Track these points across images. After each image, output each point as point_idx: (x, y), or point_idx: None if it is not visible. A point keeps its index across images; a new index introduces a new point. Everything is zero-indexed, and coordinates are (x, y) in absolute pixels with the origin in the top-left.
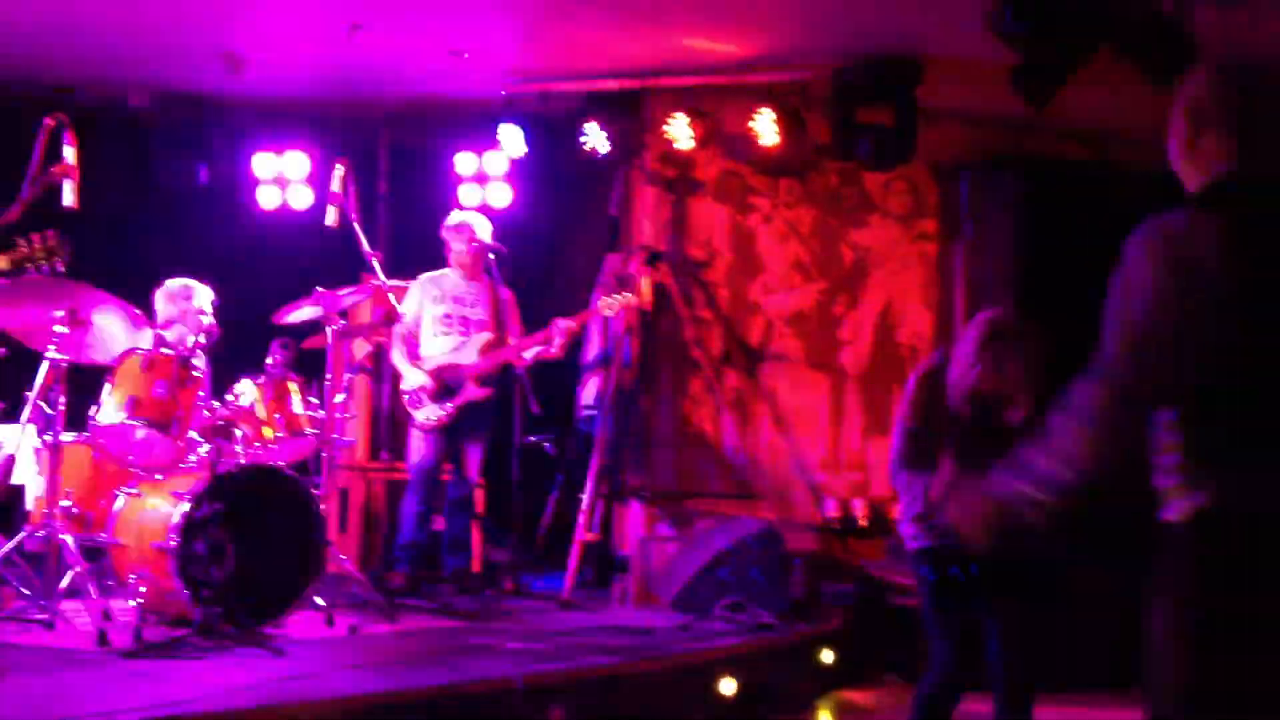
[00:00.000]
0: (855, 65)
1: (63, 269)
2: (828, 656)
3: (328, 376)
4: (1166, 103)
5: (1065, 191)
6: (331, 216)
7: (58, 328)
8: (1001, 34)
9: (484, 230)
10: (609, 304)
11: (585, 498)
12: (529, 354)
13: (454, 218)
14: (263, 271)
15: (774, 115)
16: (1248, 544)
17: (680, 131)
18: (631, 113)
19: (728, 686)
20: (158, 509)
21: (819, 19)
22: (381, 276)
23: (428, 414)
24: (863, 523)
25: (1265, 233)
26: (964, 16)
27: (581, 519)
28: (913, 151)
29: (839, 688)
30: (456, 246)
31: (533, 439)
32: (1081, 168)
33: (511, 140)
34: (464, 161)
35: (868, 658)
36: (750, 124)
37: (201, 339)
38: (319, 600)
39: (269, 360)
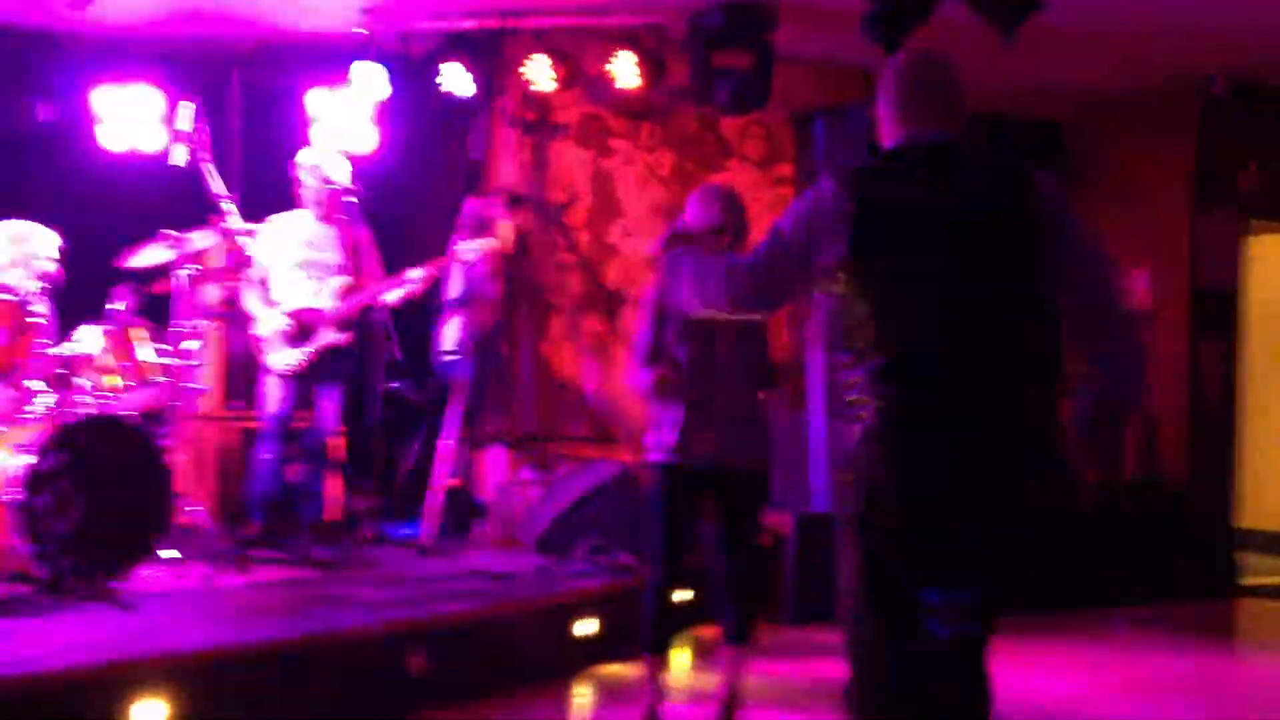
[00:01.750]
0: (712, 9)
1: None
2: (684, 595)
3: (177, 322)
4: (1009, 51)
5: None
6: (180, 156)
7: None
8: None
9: (339, 171)
10: (468, 247)
11: (445, 443)
12: (389, 297)
13: (306, 157)
14: (109, 214)
15: (634, 58)
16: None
17: (540, 73)
18: (492, 54)
19: (588, 627)
20: None
21: None
22: (234, 219)
23: (283, 360)
24: None
25: (900, 197)
26: None
27: (441, 465)
28: (769, 96)
29: (697, 625)
30: (310, 187)
31: (393, 384)
32: None
33: (370, 80)
34: (320, 101)
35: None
36: (610, 67)
37: (43, 284)
38: (170, 553)
39: (114, 306)
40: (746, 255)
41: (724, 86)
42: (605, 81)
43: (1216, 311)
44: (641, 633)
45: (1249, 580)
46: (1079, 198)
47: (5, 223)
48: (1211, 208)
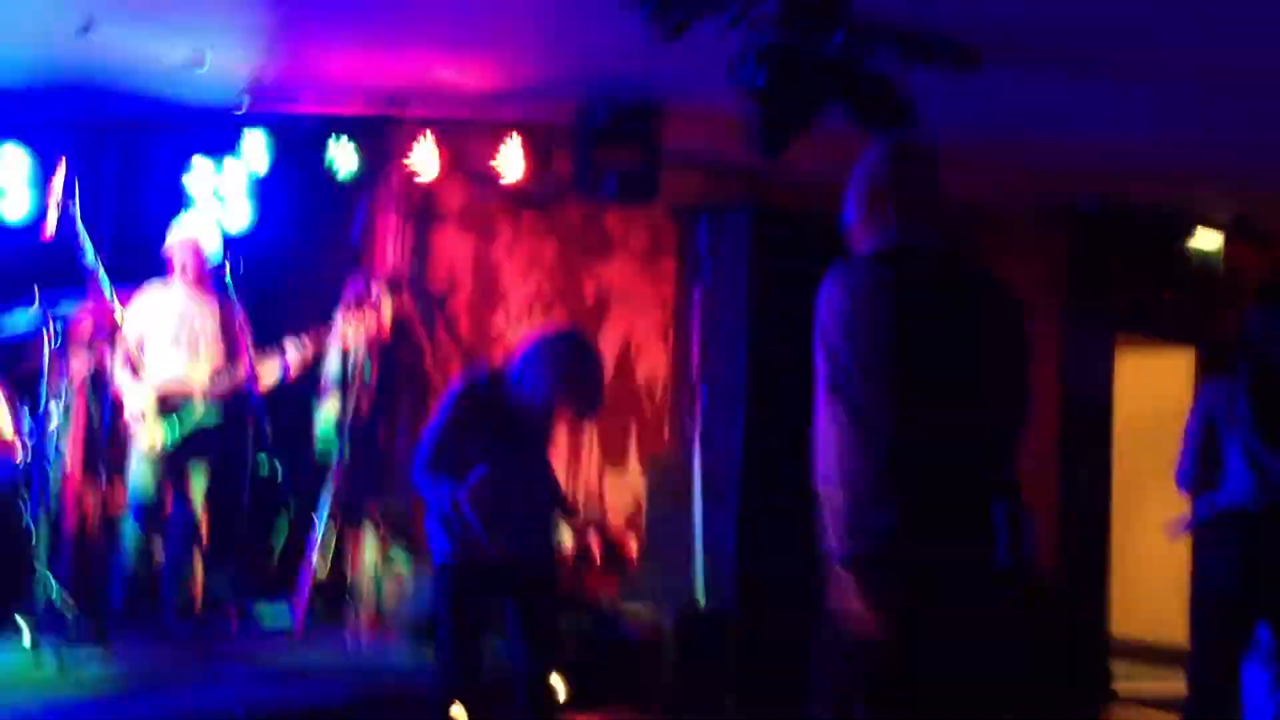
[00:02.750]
0: (601, 106)
1: None
2: (560, 685)
3: (42, 391)
4: None
5: (794, 240)
6: (50, 222)
7: None
8: (741, 85)
9: (214, 244)
10: (347, 328)
11: (318, 526)
12: (264, 375)
13: (182, 229)
14: None
15: (520, 150)
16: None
17: (426, 160)
18: (377, 137)
19: (461, 713)
20: None
21: (564, 59)
22: (105, 287)
23: (151, 435)
24: (598, 556)
25: (921, 290)
26: (706, 67)
27: (313, 549)
28: (655, 192)
29: (569, 714)
30: (184, 258)
31: (263, 464)
32: (808, 218)
33: (251, 155)
34: (199, 173)
35: (597, 686)
36: (496, 157)
37: None
38: (26, 627)
39: None
40: None
41: (610, 180)
42: (490, 171)
43: (1089, 421)
44: None
45: (1122, 687)
46: None
47: None
48: (1083, 322)
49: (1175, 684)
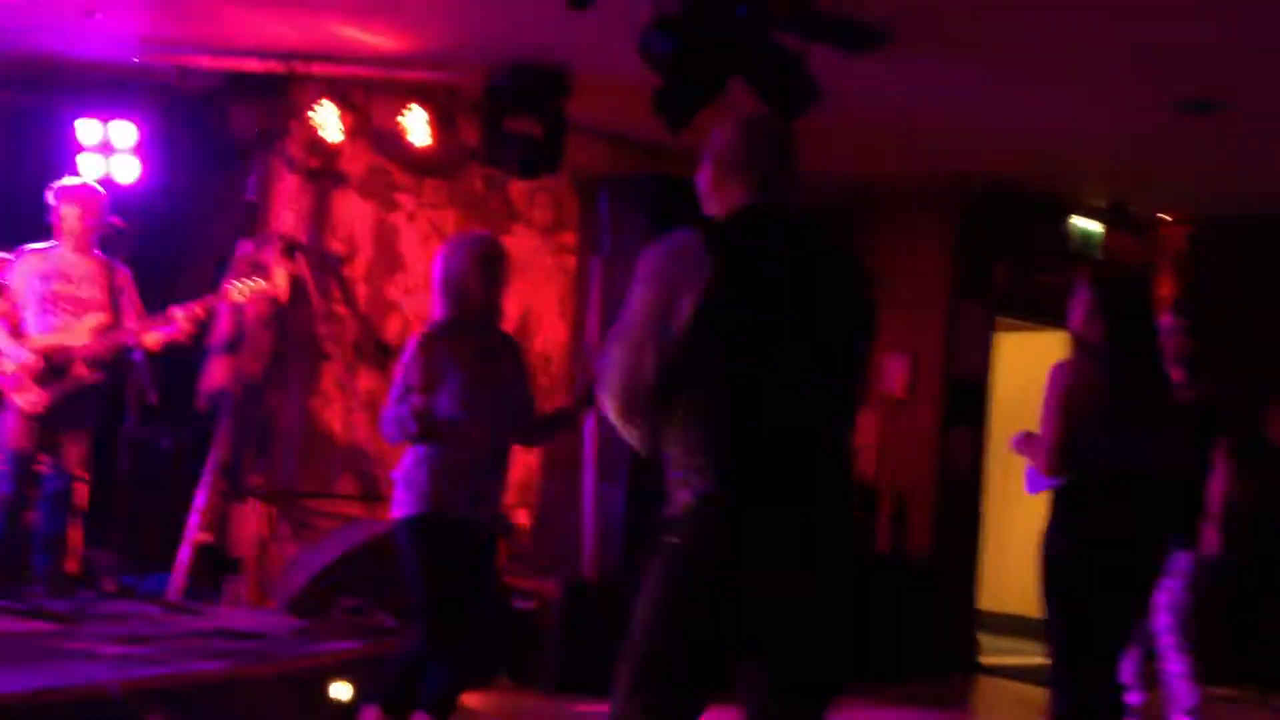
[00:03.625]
0: (506, 73)
1: None
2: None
3: None
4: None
5: (695, 212)
6: None
7: None
8: (648, 57)
9: (99, 202)
10: (239, 289)
11: (200, 495)
12: (148, 339)
13: (65, 186)
14: None
15: (425, 114)
16: (734, 531)
17: (327, 121)
18: (277, 96)
19: (342, 691)
20: None
21: (471, 23)
22: None
23: (28, 397)
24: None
25: (755, 254)
26: (613, 36)
27: (195, 518)
28: (560, 163)
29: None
30: (67, 218)
31: (146, 431)
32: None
33: (143, 113)
34: (87, 129)
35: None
36: (400, 121)
37: None
38: None
39: None
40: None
41: (514, 149)
42: (394, 135)
43: (967, 400)
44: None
45: (988, 660)
46: None
47: None
48: (966, 302)
49: (1039, 657)
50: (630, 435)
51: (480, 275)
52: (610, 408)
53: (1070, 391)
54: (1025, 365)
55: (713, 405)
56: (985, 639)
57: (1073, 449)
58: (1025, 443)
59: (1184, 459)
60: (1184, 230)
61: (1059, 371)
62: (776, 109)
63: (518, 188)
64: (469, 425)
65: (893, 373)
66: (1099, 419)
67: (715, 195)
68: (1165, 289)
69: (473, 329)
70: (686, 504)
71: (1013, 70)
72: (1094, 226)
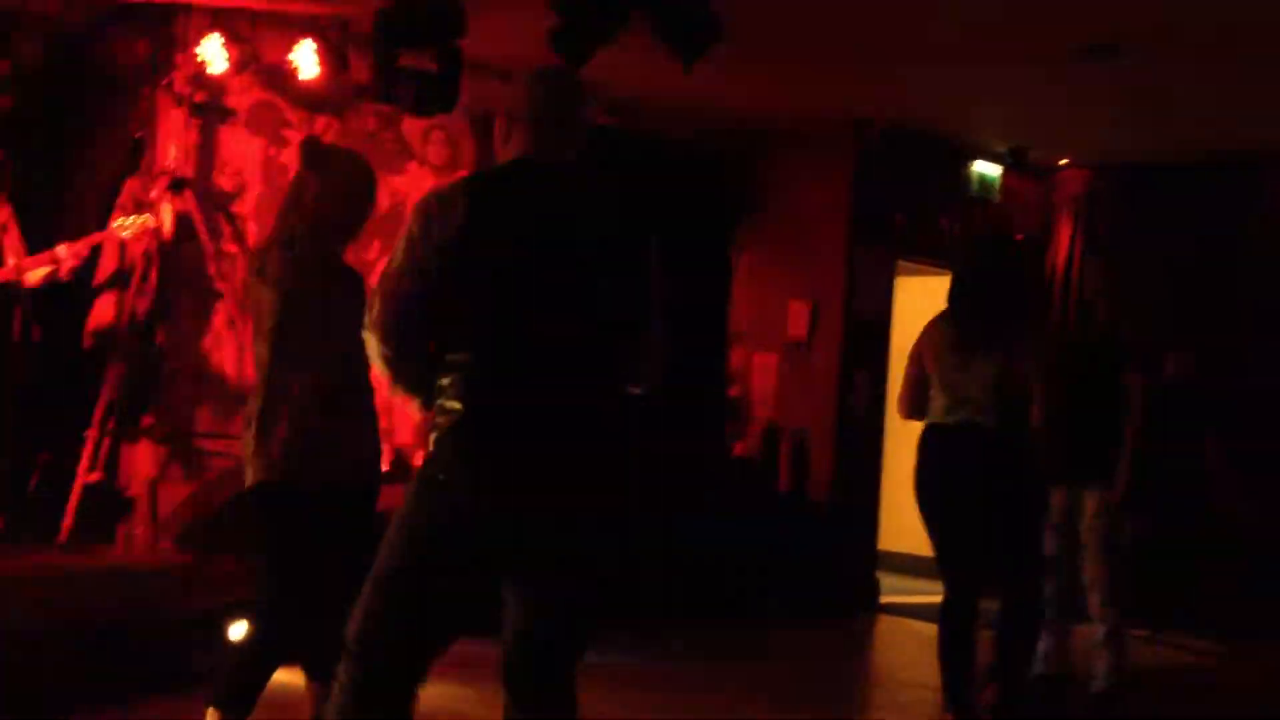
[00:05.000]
0: (399, 7)
1: None
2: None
3: None
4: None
5: (594, 154)
6: None
7: None
8: None
9: None
10: (125, 225)
11: (89, 435)
12: (33, 275)
13: None
14: None
15: (315, 48)
16: (471, 458)
17: (214, 54)
18: (161, 28)
19: (238, 631)
20: None
21: None
22: None
23: None
24: (386, 467)
25: (508, 202)
26: None
27: (84, 458)
28: (455, 101)
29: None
30: None
31: (31, 370)
32: (604, 131)
33: (23, 43)
34: None
35: None
36: (290, 56)
37: None
38: None
39: None
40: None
41: (408, 86)
42: (283, 70)
43: (868, 343)
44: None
45: (886, 599)
46: (748, 229)
47: None
48: (866, 245)
49: (937, 595)
50: (397, 376)
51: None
52: (373, 348)
53: (917, 346)
54: (926, 308)
55: (460, 341)
56: (885, 578)
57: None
58: None
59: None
60: (1083, 175)
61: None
62: (676, 47)
63: (411, 125)
64: None
65: (794, 316)
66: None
67: (503, 147)
68: (1064, 233)
69: None
70: (439, 434)
71: (913, 6)
72: (993, 170)
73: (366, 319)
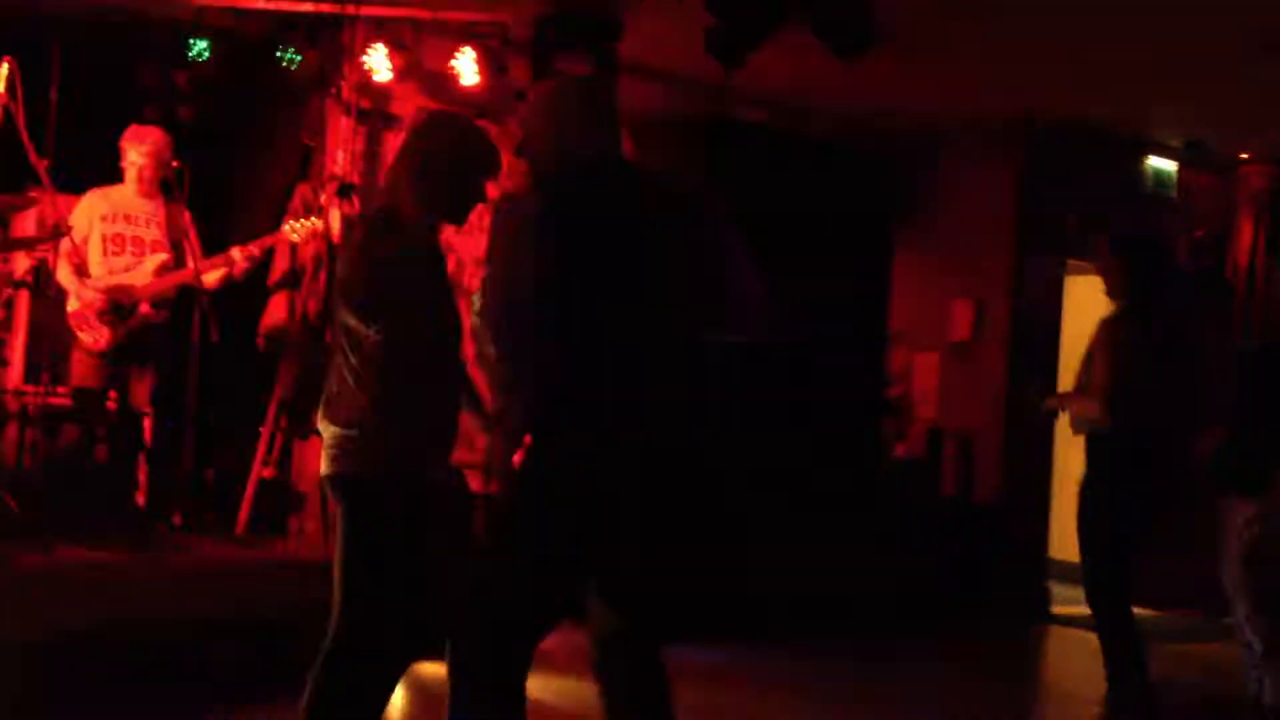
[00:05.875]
0: (556, 13)
1: None
2: None
3: None
4: (847, 76)
5: (749, 154)
6: None
7: None
8: None
9: (163, 145)
10: (296, 228)
11: (264, 431)
12: (210, 277)
13: (130, 130)
14: None
15: (475, 55)
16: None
17: (379, 63)
18: (329, 39)
19: None
20: None
21: None
22: (49, 186)
23: (93, 335)
24: None
25: (579, 211)
26: None
27: (259, 453)
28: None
29: None
30: (132, 160)
31: (212, 367)
32: (761, 131)
33: (200, 56)
34: (148, 74)
35: None
36: (450, 62)
37: None
38: None
39: None
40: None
41: None
42: (444, 77)
43: (1036, 345)
44: None
45: (1058, 609)
46: (909, 229)
47: None
48: (1034, 244)
49: None
50: (497, 373)
51: None
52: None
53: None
54: (1097, 308)
55: (542, 352)
56: (1057, 588)
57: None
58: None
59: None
60: (1266, 170)
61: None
62: (835, 48)
63: None
64: None
65: (958, 316)
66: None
67: (546, 152)
68: (1245, 231)
69: None
70: (534, 445)
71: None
72: (1169, 165)
73: (477, 305)
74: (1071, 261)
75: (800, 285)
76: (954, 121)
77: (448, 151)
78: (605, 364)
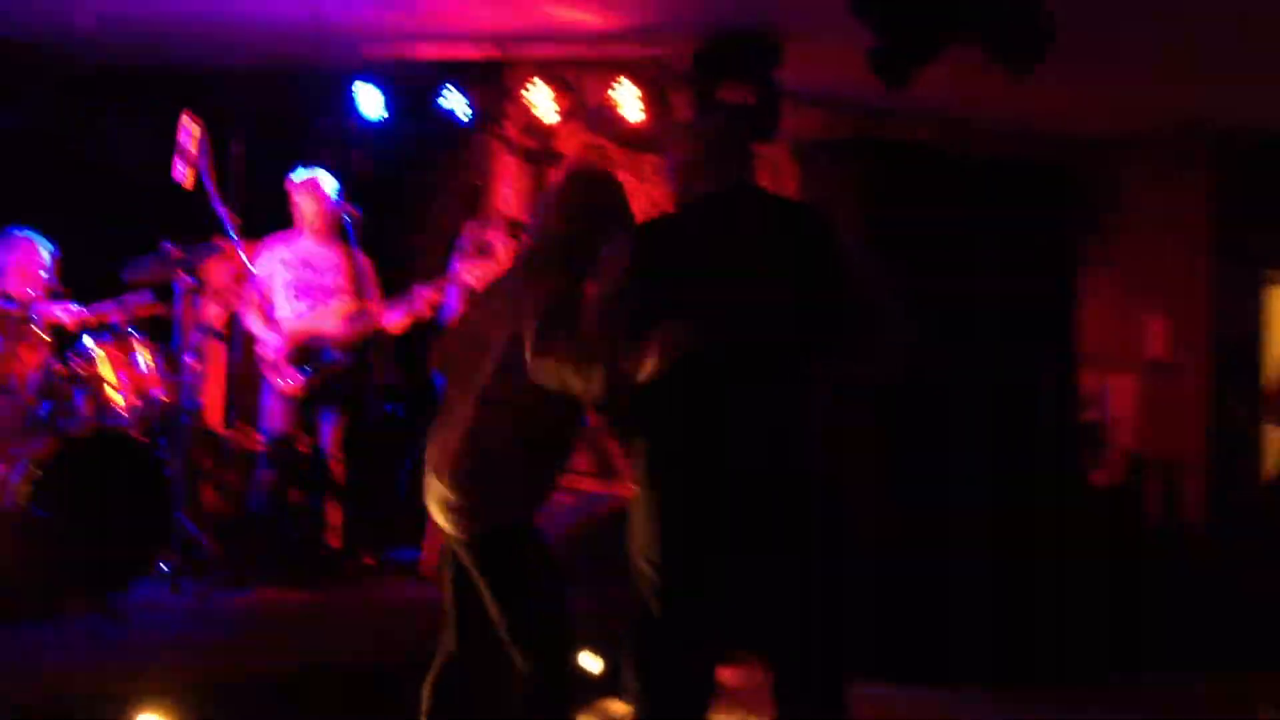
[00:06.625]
0: (716, 43)
1: None
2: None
3: (178, 338)
4: (1015, 91)
5: (913, 173)
6: (186, 176)
7: None
8: (861, 15)
9: (332, 189)
10: (471, 270)
11: None
12: (393, 322)
13: (300, 175)
14: (111, 227)
15: (635, 90)
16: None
17: (542, 102)
18: (493, 81)
19: (592, 664)
20: None
21: None
22: (234, 235)
23: (286, 381)
24: None
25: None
26: None
27: None
28: (775, 130)
29: None
30: (306, 207)
31: (389, 408)
32: (929, 151)
33: (370, 104)
34: (321, 124)
35: None
36: (612, 97)
37: (42, 295)
38: (166, 569)
39: (112, 319)
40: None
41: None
42: (607, 112)
43: (1238, 363)
44: None
45: None
46: (1091, 244)
47: (6, 231)
48: (1229, 259)
49: None
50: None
51: None
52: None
53: None
54: None
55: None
56: None
57: None
58: None
59: None
60: None
61: None
62: (1005, 63)
63: None
64: None
65: (1152, 335)
66: None
67: (682, 185)
68: None
69: None
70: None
71: (1265, 5)
72: None
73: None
74: (1271, 272)
75: (979, 305)
76: (1136, 134)
77: (580, 212)
78: (727, 396)
